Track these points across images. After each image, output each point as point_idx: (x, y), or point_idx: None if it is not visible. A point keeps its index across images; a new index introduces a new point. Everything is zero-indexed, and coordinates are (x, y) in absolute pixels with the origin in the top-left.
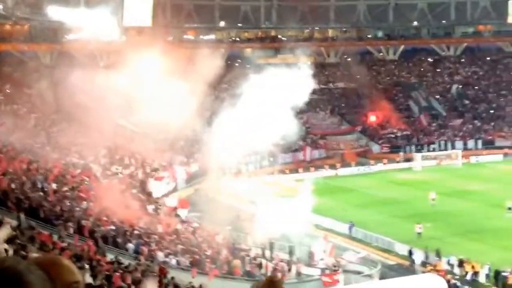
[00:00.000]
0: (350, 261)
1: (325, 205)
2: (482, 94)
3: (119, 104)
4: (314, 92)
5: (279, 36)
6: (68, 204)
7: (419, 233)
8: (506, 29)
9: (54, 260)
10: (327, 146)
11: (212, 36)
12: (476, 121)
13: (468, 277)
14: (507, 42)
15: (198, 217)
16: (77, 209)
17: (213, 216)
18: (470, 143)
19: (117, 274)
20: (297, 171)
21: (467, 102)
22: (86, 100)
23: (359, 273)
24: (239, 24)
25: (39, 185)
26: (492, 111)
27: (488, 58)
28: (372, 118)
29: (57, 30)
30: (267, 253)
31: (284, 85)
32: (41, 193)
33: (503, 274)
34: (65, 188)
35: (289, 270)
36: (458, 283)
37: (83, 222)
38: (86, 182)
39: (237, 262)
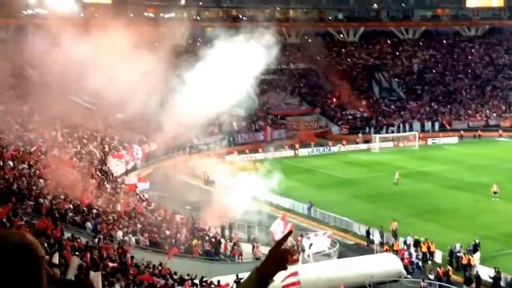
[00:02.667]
0: (320, 244)
1: (285, 185)
2: (439, 77)
3: (77, 81)
4: (274, 72)
5: (240, 16)
6: (26, 182)
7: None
8: (464, 13)
9: (20, 235)
10: (288, 126)
11: (172, 14)
12: (433, 104)
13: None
14: (464, 26)
15: (157, 196)
16: (35, 187)
17: (173, 196)
18: (427, 125)
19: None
20: (257, 151)
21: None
22: (43, 76)
23: (318, 252)
24: (200, 3)
25: None
26: (448, 94)
27: (446, 42)
28: (332, 100)
29: (13, 5)
30: (226, 232)
31: (243, 64)
32: None
33: (458, 254)
34: (22, 166)
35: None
36: (416, 261)
37: (41, 201)
38: (43, 160)
39: (196, 242)
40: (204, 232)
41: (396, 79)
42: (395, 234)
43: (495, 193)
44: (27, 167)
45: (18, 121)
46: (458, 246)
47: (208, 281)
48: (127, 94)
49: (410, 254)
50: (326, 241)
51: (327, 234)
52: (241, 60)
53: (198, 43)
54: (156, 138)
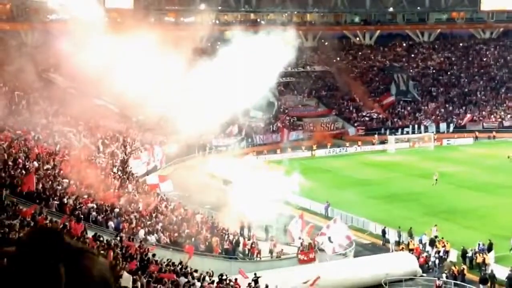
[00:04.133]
0: (339, 233)
1: (302, 185)
2: (455, 79)
3: (100, 84)
4: (292, 75)
5: (258, 20)
6: (50, 182)
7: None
8: (478, 16)
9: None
10: (305, 128)
11: (192, 19)
12: (448, 105)
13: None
14: (479, 29)
15: (177, 196)
16: (59, 187)
17: (192, 195)
18: (442, 127)
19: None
20: (275, 152)
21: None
22: (68, 79)
23: (334, 251)
24: (219, 7)
25: (21, 163)
26: (463, 96)
27: (461, 44)
28: (349, 101)
29: (38, 10)
30: (245, 231)
31: (262, 66)
32: (23, 171)
33: (469, 254)
34: (47, 166)
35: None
36: (434, 259)
37: (65, 200)
38: (67, 161)
39: (215, 240)
40: (224, 231)
41: (412, 81)
42: (410, 233)
43: None
44: (51, 167)
45: (43, 122)
46: (481, 244)
47: (227, 279)
48: (148, 96)
49: (435, 254)
50: (341, 227)
51: (338, 221)
52: (259, 63)
53: (217, 46)
54: (176, 139)
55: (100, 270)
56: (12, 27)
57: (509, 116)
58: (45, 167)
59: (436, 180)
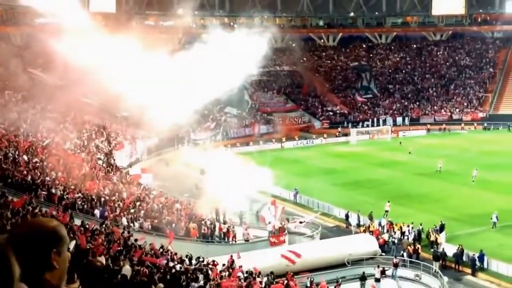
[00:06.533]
0: (306, 221)
1: (272, 174)
2: (409, 77)
3: (87, 82)
4: (263, 74)
5: (232, 23)
6: (39, 174)
7: (387, 210)
8: (430, 20)
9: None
10: (275, 122)
11: (171, 22)
12: (403, 101)
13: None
14: (430, 32)
15: (158, 186)
16: (47, 178)
17: (172, 185)
18: (398, 120)
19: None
20: (247, 144)
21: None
22: (55, 78)
23: (302, 234)
24: (196, 12)
25: (11, 157)
26: (417, 92)
27: (414, 46)
28: (314, 97)
29: (26, 14)
30: (221, 217)
31: (235, 67)
32: (13, 164)
33: (408, 234)
34: (36, 160)
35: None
36: (391, 240)
37: (53, 191)
38: (55, 154)
39: (194, 226)
40: (201, 218)
41: (372, 79)
42: (371, 217)
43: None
44: (39, 160)
45: (31, 118)
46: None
47: (204, 261)
48: (131, 94)
49: (394, 235)
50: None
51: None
52: (234, 63)
53: (195, 48)
54: (157, 133)
55: None
56: (2, 30)
57: (457, 110)
58: (34, 160)
59: (441, 167)
